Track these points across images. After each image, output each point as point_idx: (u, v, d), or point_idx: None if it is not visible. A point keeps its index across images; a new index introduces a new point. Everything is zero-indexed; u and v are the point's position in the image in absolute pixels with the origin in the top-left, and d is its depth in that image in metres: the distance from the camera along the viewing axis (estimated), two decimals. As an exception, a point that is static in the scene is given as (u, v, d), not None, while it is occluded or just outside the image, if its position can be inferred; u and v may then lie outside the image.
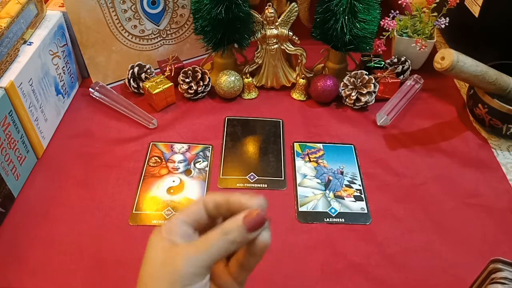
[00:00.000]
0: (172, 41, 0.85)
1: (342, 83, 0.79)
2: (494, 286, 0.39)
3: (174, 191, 0.65)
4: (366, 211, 0.64)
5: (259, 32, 0.77)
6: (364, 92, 0.77)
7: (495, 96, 0.73)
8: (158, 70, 0.82)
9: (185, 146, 0.72)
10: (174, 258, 0.32)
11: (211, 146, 0.72)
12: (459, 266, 0.57)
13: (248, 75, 0.81)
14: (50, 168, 0.68)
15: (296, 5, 0.76)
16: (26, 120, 0.64)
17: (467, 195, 0.66)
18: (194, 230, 0.35)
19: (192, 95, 0.79)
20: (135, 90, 0.80)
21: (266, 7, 0.75)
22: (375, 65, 0.82)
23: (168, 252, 0.33)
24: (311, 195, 0.65)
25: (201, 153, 0.71)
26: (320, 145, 0.73)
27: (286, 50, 0.79)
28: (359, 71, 0.78)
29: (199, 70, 0.79)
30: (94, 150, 0.71)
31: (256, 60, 0.80)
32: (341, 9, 0.70)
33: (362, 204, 0.65)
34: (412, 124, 0.78)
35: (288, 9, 0.76)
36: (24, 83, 0.63)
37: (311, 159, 0.71)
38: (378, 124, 0.77)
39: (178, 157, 0.70)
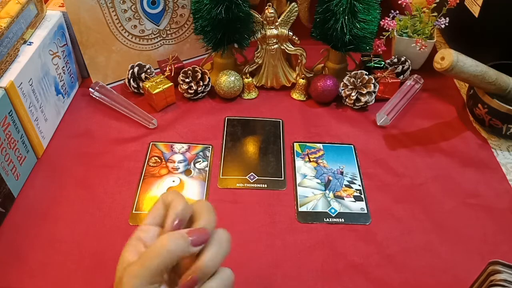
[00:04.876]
0: (172, 41, 0.85)
1: (342, 83, 0.79)
2: (494, 289, 0.39)
3: (174, 191, 0.65)
4: (366, 211, 0.64)
5: (259, 32, 0.77)
6: (364, 92, 0.77)
7: (495, 96, 0.73)
8: (158, 70, 0.82)
9: (185, 146, 0.72)
10: (123, 277, 0.33)
11: (211, 146, 0.72)
12: (459, 266, 0.57)
13: (248, 75, 0.81)
14: (50, 168, 0.68)
15: (296, 5, 0.76)
16: (26, 120, 0.64)
17: (467, 195, 0.66)
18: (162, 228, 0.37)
19: (192, 95, 0.79)
20: (135, 90, 0.80)
21: (266, 7, 0.75)
22: (375, 65, 0.82)
23: (124, 269, 0.34)
24: (311, 195, 0.65)
25: (201, 153, 0.71)
26: (320, 145, 0.73)
27: (286, 50, 0.79)
28: (359, 71, 0.78)
29: (199, 70, 0.79)
30: (94, 150, 0.71)
31: (256, 60, 0.80)
32: (341, 9, 0.70)
33: (362, 204, 0.65)
34: (412, 124, 0.78)
35: (288, 9, 0.76)
36: (24, 83, 0.63)
37: (311, 159, 0.71)
38: (378, 124, 0.77)
39: (178, 157, 0.70)
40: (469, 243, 0.60)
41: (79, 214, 0.61)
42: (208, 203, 0.38)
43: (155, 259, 0.33)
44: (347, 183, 0.67)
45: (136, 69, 0.79)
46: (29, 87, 0.65)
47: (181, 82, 0.79)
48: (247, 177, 0.68)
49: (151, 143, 0.72)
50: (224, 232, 0.37)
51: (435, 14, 0.81)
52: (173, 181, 0.66)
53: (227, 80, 0.78)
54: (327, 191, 0.66)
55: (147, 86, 0.76)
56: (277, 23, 0.76)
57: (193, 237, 0.34)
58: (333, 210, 0.63)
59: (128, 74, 0.79)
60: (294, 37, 0.78)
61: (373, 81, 0.78)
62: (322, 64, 0.84)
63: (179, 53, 0.85)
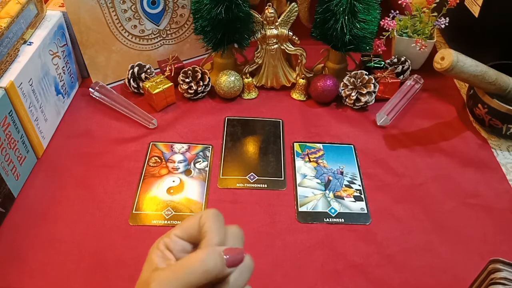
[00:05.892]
0: (172, 41, 0.85)
1: (342, 83, 0.79)
2: (496, 287, 0.39)
3: (174, 191, 0.65)
4: (366, 211, 0.64)
5: (259, 32, 0.77)
6: (364, 92, 0.77)
7: (495, 96, 0.73)
8: (158, 70, 0.82)
9: (185, 146, 0.72)
10: (151, 282, 0.31)
11: (211, 146, 0.72)
12: (459, 266, 0.57)
13: (248, 75, 0.81)
14: (50, 168, 0.68)
15: (296, 5, 0.76)
16: (26, 120, 0.64)
17: (467, 195, 0.66)
18: (191, 244, 0.35)
19: (192, 95, 0.79)
20: (135, 90, 0.80)
21: (266, 7, 0.75)
22: (375, 65, 0.82)
23: (151, 272, 0.32)
24: (311, 195, 0.65)
25: (201, 153, 0.71)
26: (320, 145, 0.73)
27: (286, 50, 0.79)
28: (359, 71, 0.78)
29: (199, 70, 0.79)
30: (94, 150, 0.71)
31: (256, 60, 0.80)
32: (341, 9, 0.70)
33: (362, 204, 0.65)
34: (412, 124, 0.78)
35: (288, 9, 0.76)
36: (24, 83, 0.63)
37: (311, 159, 0.71)
38: (378, 124, 0.77)
39: (178, 157, 0.70)
40: (469, 243, 0.60)
41: (79, 214, 0.61)
42: (241, 231, 0.37)
43: (190, 275, 0.31)
44: (347, 183, 0.67)
45: (136, 69, 0.79)
46: (29, 87, 0.65)
47: (181, 82, 0.79)
48: (247, 177, 0.68)
49: (151, 143, 0.72)
50: (249, 259, 0.34)
51: (435, 14, 0.81)
52: (173, 181, 0.66)
53: (227, 80, 0.78)
54: (327, 191, 0.66)
55: (147, 86, 0.76)
56: (277, 23, 0.76)
57: (229, 256, 0.32)
58: (333, 210, 0.63)
59: (128, 74, 0.79)
60: (294, 37, 0.78)
61: (373, 81, 0.78)
62: (322, 64, 0.84)
63: (179, 53, 0.85)
